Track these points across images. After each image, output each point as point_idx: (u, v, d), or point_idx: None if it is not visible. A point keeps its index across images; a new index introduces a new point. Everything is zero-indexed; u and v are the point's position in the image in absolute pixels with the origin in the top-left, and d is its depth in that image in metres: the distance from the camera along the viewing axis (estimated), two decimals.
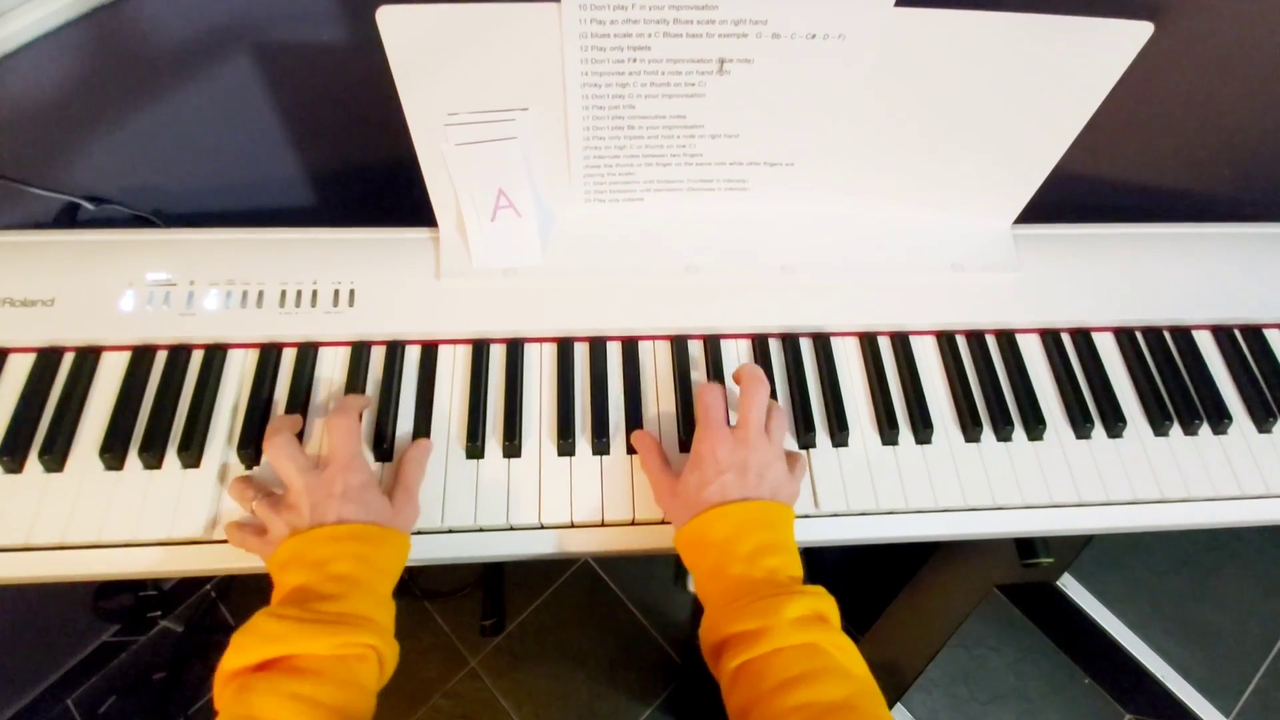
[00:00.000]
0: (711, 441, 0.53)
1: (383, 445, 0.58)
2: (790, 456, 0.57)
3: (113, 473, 0.56)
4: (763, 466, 0.52)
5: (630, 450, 0.59)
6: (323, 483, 0.50)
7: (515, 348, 0.63)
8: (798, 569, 0.50)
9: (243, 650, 0.42)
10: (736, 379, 0.58)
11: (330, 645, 0.43)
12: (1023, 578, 0.88)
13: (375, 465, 0.58)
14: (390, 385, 0.60)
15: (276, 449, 0.52)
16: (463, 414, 0.60)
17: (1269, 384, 0.66)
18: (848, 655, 0.45)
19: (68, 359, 0.60)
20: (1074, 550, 0.84)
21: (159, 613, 1.14)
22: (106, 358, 0.60)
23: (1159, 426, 0.63)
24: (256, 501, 0.52)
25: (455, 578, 1.28)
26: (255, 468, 0.57)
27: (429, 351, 0.62)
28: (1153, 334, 0.68)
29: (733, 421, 0.56)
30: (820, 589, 0.48)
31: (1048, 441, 0.62)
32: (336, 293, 0.63)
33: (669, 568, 1.31)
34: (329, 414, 0.55)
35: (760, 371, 0.57)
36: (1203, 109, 0.73)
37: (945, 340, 0.66)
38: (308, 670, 0.42)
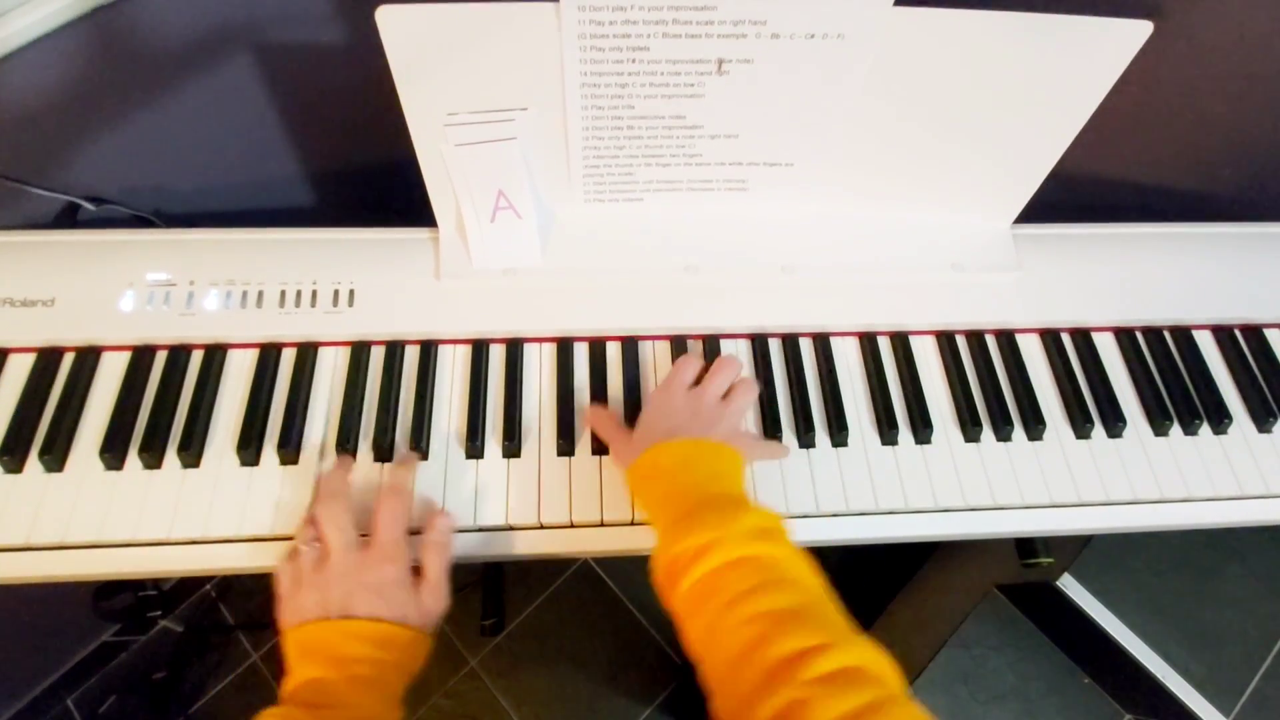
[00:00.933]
0: (667, 390, 0.56)
1: (383, 447, 0.58)
2: (768, 441, 0.59)
3: (113, 473, 0.56)
4: (715, 416, 0.54)
5: None
6: (359, 567, 0.49)
7: (515, 348, 0.63)
8: (747, 499, 0.50)
9: None
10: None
11: None
12: (1023, 578, 0.87)
13: (375, 465, 0.58)
14: (390, 385, 0.60)
15: (327, 515, 0.51)
16: (462, 414, 0.60)
17: (1269, 384, 0.66)
18: (799, 567, 0.45)
19: (68, 359, 0.60)
20: (1074, 550, 0.84)
21: (159, 612, 1.13)
22: (106, 358, 0.60)
23: (1159, 426, 0.63)
24: (304, 550, 0.50)
25: (455, 578, 1.28)
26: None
27: (429, 351, 0.62)
28: (1153, 334, 0.68)
29: None
30: (770, 509, 0.48)
31: (1048, 441, 0.62)
32: (336, 293, 0.63)
33: None
34: (382, 488, 0.54)
35: (736, 361, 0.59)
36: (1203, 109, 0.73)
37: (945, 340, 0.66)
38: None
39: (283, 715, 0.44)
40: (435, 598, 0.52)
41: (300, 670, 0.46)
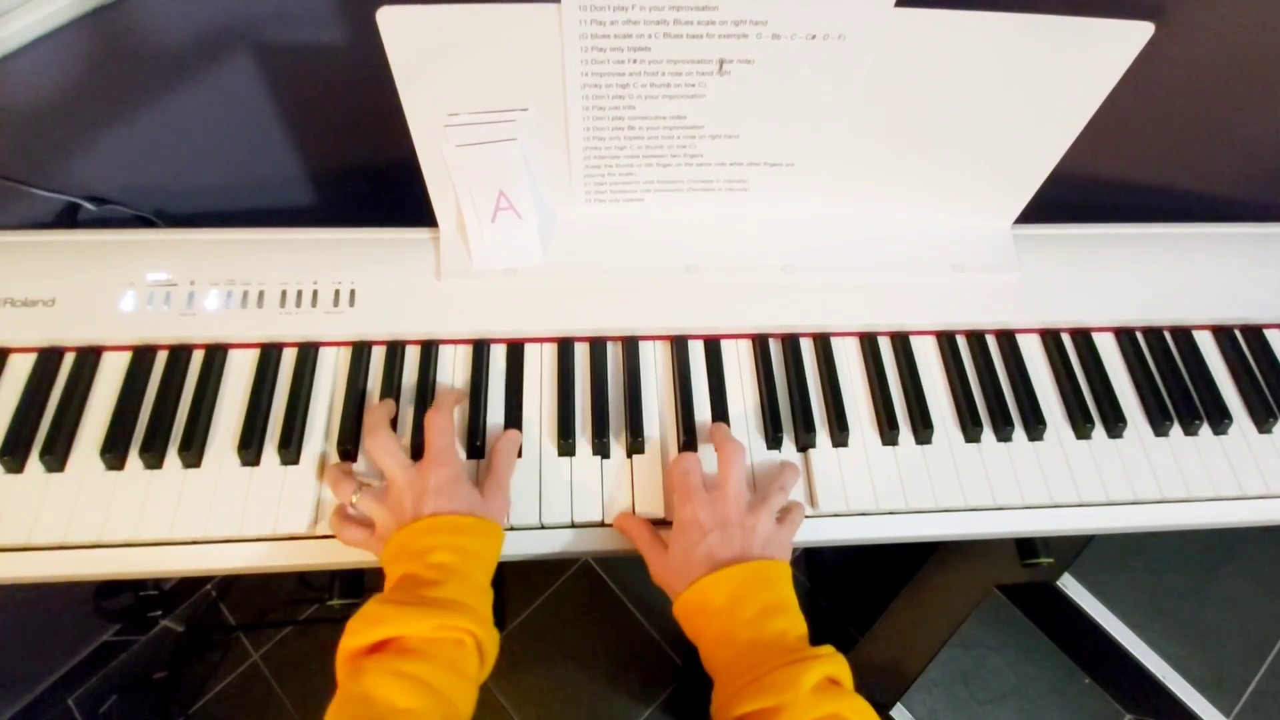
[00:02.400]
0: (691, 506, 0.53)
1: None
2: (783, 511, 0.56)
3: (113, 473, 0.56)
4: (748, 523, 0.52)
5: (630, 452, 0.59)
6: (420, 477, 0.52)
7: (515, 348, 0.63)
8: (803, 627, 0.50)
9: (354, 634, 0.45)
10: (713, 441, 0.58)
11: (431, 626, 0.45)
12: (1023, 578, 0.88)
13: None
14: (390, 385, 0.60)
15: (379, 446, 0.54)
16: (463, 414, 0.60)
17: (1269, 384, 0.66)
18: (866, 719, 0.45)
19: (68, 359, 0.60)
20: (1074, 550, 0.84)
21: (159, 612, 1.14)
22: (107, 358, 0.60)
23: (1159, 427, 0.63)
24: (359, 496, 0.54)
25: None
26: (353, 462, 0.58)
27: (429, 351, 0.62)
28: (1153, 334, 0.68)
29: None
30: (830, 649, 0.47)
31: (1048, 441, 0.62)
32: (337, 293, 0.63)
33: None
34: (429, 409, 0.57)
35: (728, 431, 0.58)
36: (1203, 109, 0.73)
37: (945, 340, 0.66)
38: (413, 650, 0.44)
39: (379, 598, 0.47)
40: (497, 490, 0.55)
41: (391, 575, 0.50)
